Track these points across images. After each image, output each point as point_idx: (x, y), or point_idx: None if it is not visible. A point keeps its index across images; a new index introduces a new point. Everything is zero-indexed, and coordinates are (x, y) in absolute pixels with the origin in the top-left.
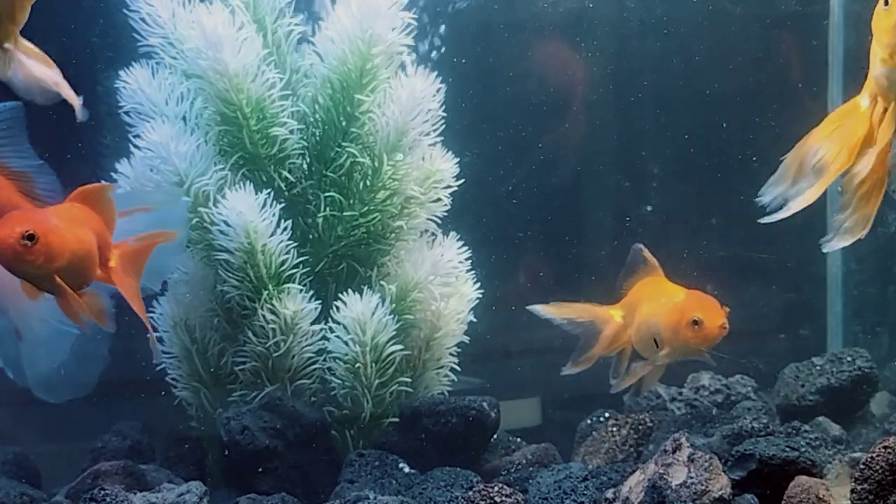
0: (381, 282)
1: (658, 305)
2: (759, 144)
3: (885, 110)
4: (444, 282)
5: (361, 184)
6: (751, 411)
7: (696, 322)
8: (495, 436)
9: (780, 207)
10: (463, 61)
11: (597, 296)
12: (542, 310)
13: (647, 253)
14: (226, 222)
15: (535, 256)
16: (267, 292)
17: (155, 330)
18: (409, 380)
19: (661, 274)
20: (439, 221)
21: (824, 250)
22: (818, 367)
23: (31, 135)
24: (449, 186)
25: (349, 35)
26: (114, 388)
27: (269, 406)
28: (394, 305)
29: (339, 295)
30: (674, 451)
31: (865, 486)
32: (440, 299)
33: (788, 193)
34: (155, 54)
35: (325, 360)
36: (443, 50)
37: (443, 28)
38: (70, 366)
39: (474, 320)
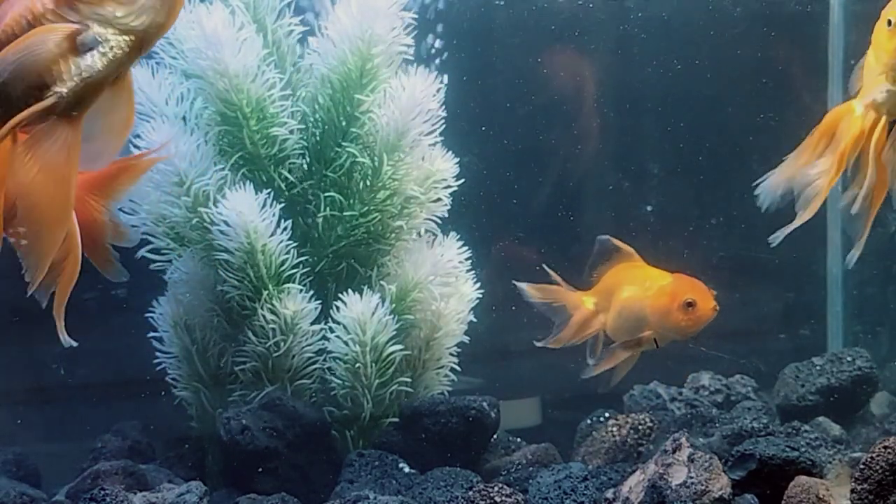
0: (381, 282)
1: (644, 289)
2: (759, 144)
3: (876, 122)
4: (444, 282)
5: (361, 184)
6: (751, 411)
7: (689, 304)
8: (495, 436)
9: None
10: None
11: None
12: (526, 288)
13: (617, 241)
14: (226, 222)
15: (536, 256)
16: (267, 292)
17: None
18: (409, 380)
19: (638, 259)
20: (439, 221)
21: (848, 267)
22: (818, 367)
23: None
24: (449, 186)
25: (349, 35)
26: (114, 388)
27: (269, 406)
28: (394, 305)
29: (339, 295)
30: (674, 451)
31: (865, 486)
32: (440, 299)
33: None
34: (155, 54)
35: (325, 360)
36: (444, 54)
37: (441, 27)
38: None
39: (474, 320)
